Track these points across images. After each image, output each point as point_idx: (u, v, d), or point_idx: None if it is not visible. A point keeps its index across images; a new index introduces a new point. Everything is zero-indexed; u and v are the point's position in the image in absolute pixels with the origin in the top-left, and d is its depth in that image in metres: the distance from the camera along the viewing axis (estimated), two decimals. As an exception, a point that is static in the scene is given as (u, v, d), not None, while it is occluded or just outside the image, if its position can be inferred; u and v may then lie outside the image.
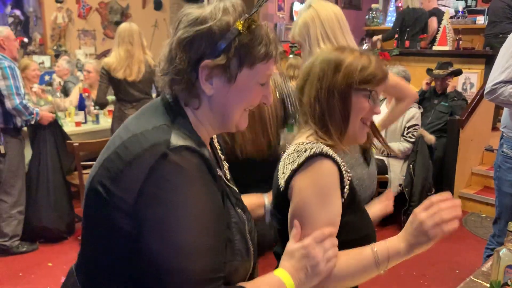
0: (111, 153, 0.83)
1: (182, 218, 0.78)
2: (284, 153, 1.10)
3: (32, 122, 3.17)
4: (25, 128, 3.32)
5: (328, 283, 0.98)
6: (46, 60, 6.43)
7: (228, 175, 1.05)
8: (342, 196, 1.03)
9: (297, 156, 1.02)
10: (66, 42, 6.61)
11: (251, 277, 0.97)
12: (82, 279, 0.91)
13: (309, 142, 1.04)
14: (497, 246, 1.95)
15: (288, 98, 1.73)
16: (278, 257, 1.06)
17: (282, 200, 1.05)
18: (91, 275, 0.89)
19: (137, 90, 3.52)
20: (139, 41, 3.45)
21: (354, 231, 1.07)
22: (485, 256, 2.44)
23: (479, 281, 1.37)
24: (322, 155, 0.99)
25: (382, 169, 3.66)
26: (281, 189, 1.04)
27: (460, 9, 6.67)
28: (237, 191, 1.05)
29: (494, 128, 4.79)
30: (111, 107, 4.02)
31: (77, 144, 3.18)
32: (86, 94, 4.14)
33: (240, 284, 0.88)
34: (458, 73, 4.51)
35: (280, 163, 1.08)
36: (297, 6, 6.41)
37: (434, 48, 5.27)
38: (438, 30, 5.30)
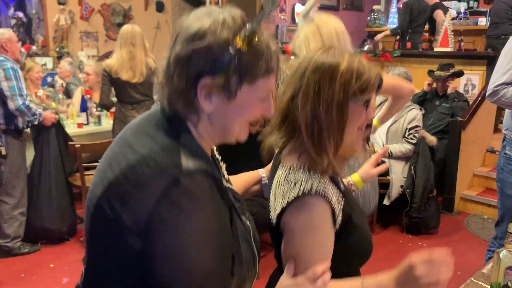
0: (118, 174, 0.81)
1: (193, 244, 0.78)
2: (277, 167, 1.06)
3: (35, 123, 3.18)
4: (27, 130, 3.33)
5: None
6: (49, 62, 6.44)
7: (226, 177, 1.05)
8: (335, 226, 1.01)
9: (287, 190, 0.99)
10: (69, 44, 6.62)
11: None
12: None
13: (301, 167, 1.01)
14: (499, 248, 1.94)
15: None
16: (278, 260, 1.09)
17: (276, 232, 1.05)
18: None
19: (138, 92, 3.53)
20: (141, 43, 3.45)
21: (351, 251, 1.08)
22: (486, 258, 2.43)
23: (480, 283, 1.37)
24: (311, 194, 0.97)
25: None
26: (273, 224, 1.03)
27: (462, 10, 6.68)
28: (238, 192, 1.05)
29: (496, 130, 4.78)
30: (113, 109, 4.04)
31: (79, 145, 3.18)
32: (88, 96, 4.15)
33: None
34: (459, 74, 4.51)
35: (272, 189, 1.05)
36: (298, 8, 6.40)
37: (436, 49, 5.27)
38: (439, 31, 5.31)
